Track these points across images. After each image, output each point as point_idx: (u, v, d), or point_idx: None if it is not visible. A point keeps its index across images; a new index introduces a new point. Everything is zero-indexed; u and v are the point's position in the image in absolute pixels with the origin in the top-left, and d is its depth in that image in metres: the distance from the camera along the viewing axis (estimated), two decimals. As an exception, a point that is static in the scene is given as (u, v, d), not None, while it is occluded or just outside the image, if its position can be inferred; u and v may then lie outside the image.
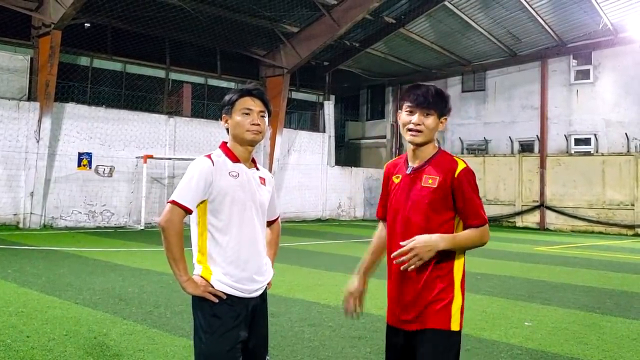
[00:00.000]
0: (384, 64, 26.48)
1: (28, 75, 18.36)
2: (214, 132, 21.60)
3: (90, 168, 19.13)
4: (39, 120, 17.49)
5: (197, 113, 22.82)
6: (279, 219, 3.29)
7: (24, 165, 17.61)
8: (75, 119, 18.89)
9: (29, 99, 18.13)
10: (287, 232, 19.01)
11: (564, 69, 24.54)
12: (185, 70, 22.82)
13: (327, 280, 9.62)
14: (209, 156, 2.88)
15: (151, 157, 19.52)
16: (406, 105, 2.82)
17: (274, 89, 23.46)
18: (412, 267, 2.64)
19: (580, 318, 7.12)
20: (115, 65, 20.92)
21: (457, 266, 2.76)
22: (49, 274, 9.23)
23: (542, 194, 24.21)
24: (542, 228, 24.00)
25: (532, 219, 24.43)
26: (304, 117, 27.63)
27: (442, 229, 2.71)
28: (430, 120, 2.78)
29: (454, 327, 2.71)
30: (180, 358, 5.06)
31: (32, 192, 17.47)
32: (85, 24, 19.70)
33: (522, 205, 24.70)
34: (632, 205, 22.14)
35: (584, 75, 24.17)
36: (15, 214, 17.53)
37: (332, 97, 27.50)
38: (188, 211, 2.78)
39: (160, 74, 22.16)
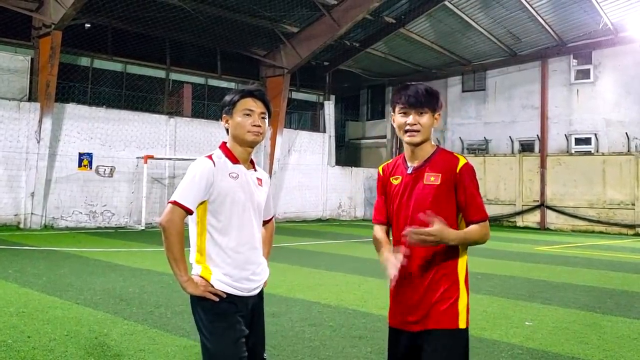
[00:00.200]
0: (384, 64, 26.48)
1: (28, 76, 18.37)
2: (214, 132, 21.61)
3: (90, 168, 19.14)
4: (40, 121, 17.50)
5: (197, 113, 22.82)
6: (274, 218, 3.30)
7: (24, 165, 17.62)
8: (76, 120, 18.90)
9: (30, 99, 18.14)
10: (287, 232, 19.07)
11: (564, 69, 24.54)
12: (185, 70, 22.83)
13: (327, 280, 9.62)
14: (210, 157, 2.88)
15: (152, 157, 19.53)
16: (399, 107, 2.83)
17: (274, 89, 23.46)
18: (414, 243, 2.62)
19: (580, 318, 7.12)
20: (116, 66, 20.93)
21: (460, 264, 2.77)
22: (50, 274, 9.23)
23: (542, 193, 24.21)
24: (542, 228, 24.00)
25: (533, 219, 24.42)
26: (304, 117, 27.64)
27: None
28: (426, 119, 2.79)
29: (462, 325, 2.73)
30: (181, 358, 5.07)
31: (33, 193, 17.48)
32: (86, 25, 19.71)
33: (523, 205, 24.70)
34: (633, 204, 22.14)
35: (584, 74, 24.15)
36: (16, 215, 17.54)
37: (333, 97, 27.50)
38: (189, 212, 2.79)
39: (161, 74, 22.17)
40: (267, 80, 24.01)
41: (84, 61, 20.12)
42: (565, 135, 24.32)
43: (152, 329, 5.97)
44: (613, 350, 5.70)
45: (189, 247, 2.90)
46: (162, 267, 9.76)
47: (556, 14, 21.71)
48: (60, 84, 18.26)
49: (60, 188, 18.46)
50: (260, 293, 2.99)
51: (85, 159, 19.00)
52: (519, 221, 24.68)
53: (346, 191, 27.37)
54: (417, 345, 2.74)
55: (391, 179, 2.92)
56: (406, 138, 2.81)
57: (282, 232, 18.80)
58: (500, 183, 25.00)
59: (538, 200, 24.32)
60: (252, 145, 2.95)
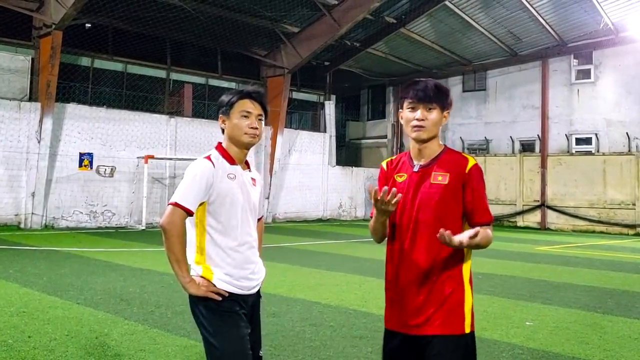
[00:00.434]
0: (385, 63, 26.47)
1: (29, 76, 18.38)
2: (214, 132, 21.59)
3: (91, 168, 19.14)
4: (40, 121, 17.50)
5: (198, 113, 22.82)
6: (263, 218, 3.31)
7: (25, 165, 17.63)
8: (77, 119, 18.90)
9: (30, 99, 18.14)
10: (288, 232, 19.08)
11: (565, 69, 24.53)
12: (186, 70, 22.84)
13: (328, 280, 9.62)
14: (208, 157, 2.88)
15: (152, 157, 19.53)
16: (407, 102, 2.77)
17: (274, 89, 23.47)
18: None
19: (581, 318, 7.12)
20: (116, 66, 20.93)
21: (465, 265, 2.71)
22: (51, 274, 9.24)
23: (543, 193, 24.20)
24: (543, 228, 23.99)
25: (533, 219, 24.42)
26: (304, 117, 27.64)
27: (451, 227, 2.61)
28: (434, 115, 2.73)
29: (467, 329, 2.65)
30: (181, 358, 5.07)
31: (34, 193, 17.48)
32: (86, 25, 19.71)
33: (523, 205, 24.70)
34: (633, 204, 22.13)
35: (584, 74, 24.14)
36: (16, 214, 17.54)
37: (333, 97, 27.49)
38: (190, 213, 2.79)
39: (161, 74, 22.18)
40: (267, 80, 24.01)
41: (85, 61, 20.12)
42: (565, 135, 24.31)
43: (152, 329, 5.97)
44: (614, 350, 5.70)
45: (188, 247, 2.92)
46: (162, 267, 9.76)
47: (557, 13, 21.71)
48: (60, 84, 18.27)
49: (61, 188, 18.47)
50: (258, 291, 3.02)
51: (85, 159, 19.01)
52: (520, 221, 24.68)
53: (347, 191, 27.37)
54: (418, 349, 2.66)
55: (395, 175, 2.84)
56: (413, 134, 2.75)
57: (282, 232, 18.80)
58: (501, 183, 25.00)
59: (539, 200, 24.32)
60: (248, 146, 2.95)
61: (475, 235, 2.50)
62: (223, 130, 2.98)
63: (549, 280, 10.04)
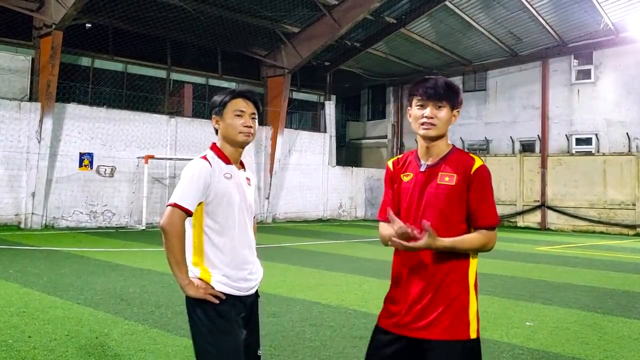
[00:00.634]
0: (385, 64, 26.47)
1: (29, 76, 18.39)
2: (214, 132, 21.57)
3: (91, 168, 19.14)
4: (41, 121, 17.51)
5: (198, 113, 22.83)
6: (255, 218, 3.30)
7: (25, 165, 17.63)
8: (77, 120, 18.91)
9: (31, 99, 18.15)
10: (288, 232, 19.08)
11: (565, 69, 24.53)
12: (186, 70, 22.84)
13: (328, 280, 9.62)
14: (205, 157, 2.88)
15: (152, 157, 19.54)
16: (416, 99, 2.71)
17: (275, 89, 23.48)
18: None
19: (581, 318, 7.12)
20: (117, 66, 20.94)
21: (471, 269, 2.65)
22: (51, 274, 9.24)
23: (543, 193, 24.20)
24: (543, 228, 23.99)
25: (533, 219, 24.42)
26: (305, 117, 27.64)
27: (457, 229, 2.61)
28: (443, 113, 2.67)
29: (472, 334, 2.59)
30: (181, 358, 5.07)
31: (34, 193, 17.48)
32: (87, 25, 19.71)
33: (523, 205, 24.70)
34: (634, 205, 22.13)
35: (585, 75, 24.14)
36: (16, 214, 17.55)
37: (333, 97, 27.49)
38: (189, 213, 2.77)
39: (162, 74, 22.18)
40: (267, 80, 24.02)
41: (85, 61, 20.13)
42: (566, 135, 24.31)
43: (152, 329, 5.97)
44: (614, 350, 5.70)
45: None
46: (162, 267, 9.76)
47: (557, 14, 21.71)
48: (61, 84, 18.27)
49: (61, 188, 18.47)
50: (257, 291, 3.01)
51: (86, 159, 19.01)
52: (520, 221, 24.68)
53: (347, 191, 27.37)
54: (419, 353, 2.59)
55: (401, 175, 2.78)
56: (421, 131, 2.68)
57: (282, 232, 18.80)
58: (501, 183, 24.98)
59: (539, 201, 24.32)
60: (243, 145, 2.95)
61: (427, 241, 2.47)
62: (217, 131, 2.97)
63: (549, 281, 10.04)
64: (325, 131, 26.88)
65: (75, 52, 19.53)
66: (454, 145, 2.77)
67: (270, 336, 5.80)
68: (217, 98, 2.98)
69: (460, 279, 2.62)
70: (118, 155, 19.71)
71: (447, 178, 2.64)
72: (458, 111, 2.74)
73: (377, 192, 27.19)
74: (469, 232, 2.64)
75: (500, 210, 24.62)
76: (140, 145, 20.19)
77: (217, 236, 2.83)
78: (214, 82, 23.43)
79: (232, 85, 23.66)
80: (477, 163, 2.65)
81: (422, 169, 2.71)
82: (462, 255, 2.62)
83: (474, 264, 2.67)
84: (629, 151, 22.64)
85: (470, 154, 2.72)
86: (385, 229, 2.79)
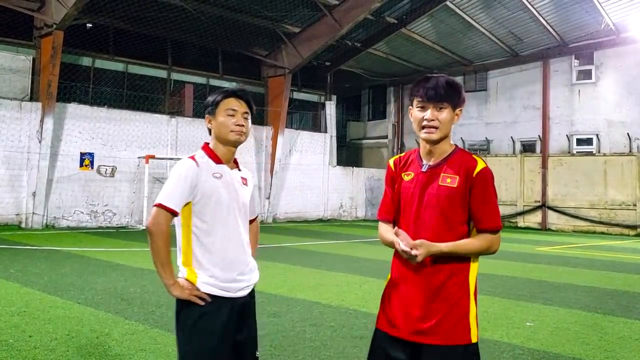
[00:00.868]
0: (386, 64, 26.47)
1: (30, 76, 18.41)
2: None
3: (92, 168, 19.15)
4: (41, 121, 17.52)
5: (198, 113, 22.80)
6: (257, 218, 3.28)
7: (26, 165, 17.64)
8: (77, 119, 18.92)
9: (31, 99, 18.16)
10: (288, 232, 19.08)
11: (566, 69, 24.52)
12: (187, 70, 22.85)
13: (328, 280, 9.62)
14: (192, 157, 2.87)
15: (153, 157, 19.54)
16: (417, 101, 2.65)
17: (275, 89, 23.49)
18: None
19: (582, 318, 7.12)
20: (117, 66, 20.95)
21: (472, 272, 2.62)
22: (51, 274, 9.24)
23: (543, 194, 24.20)
24: (543, 228, 23.99)
25: (534, 219, 24.42)
26: (305, 117, 27.64)
27: (458, 230, 2.58)
28: (445, 114, 2.61)
29: (474, 339, 2.57)
30: (182, 358, 5.06)
31: (35, 192, 17.49)
32: (87, 25, 19.72)
33: (524, 206, 24.69)
34: (634, 205, 22.12)
35: (585, 75, 24.13)
36: (17, 214, 17.56)
37: (334, 97, 27.49)
38: (175, 214, 2.77)
39: (162, 74, 22.19)
40: (268, 80, 24.03)
41: (86, 61, 20.14)
42: (566, 135, 24.30)
43: (153, 329, 5.98)
44: (614, 351, 5.70)
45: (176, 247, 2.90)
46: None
47: (558, 14, 21.70)
48: (61, 84, 18.28)
49: (62, 188, 18.48)
50: (251, 292, 2.97)
51: (86, 159, 19.02)
52: (520, 221, 24.67)
53: (347, 191, 27.37)
54: (416, 357, 2.57)
55: (403, 174, 2.73)
56: (423, 134, 2.63)
57: (283, 232, 18.81)
58: (502, 183, 24.97)
59: (539, 201, 24.31)
60: (235, 144, 2.93)
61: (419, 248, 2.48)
62: (210, 131, 2.97)
63: (550, 281, 10.04)
64: (325, 131, 26.88)
65: (76, 52, 19.55)
66: (456, 146, 2.72)
67: (270, 336, 5.80)
68: (210, 98, 2.98)
69: (462, 282, 2.59)
70: (119, 155, 19.72)
71: (449, 179, 2.60)
72: (461, 110, 2.69)
73: (377, 192, 27.19)
74: (469, 234, 2.62)
75: (501, 210, 23.78)
76: (141, 145, 20.20)
77: (205, 236, 2.81)
78: (214, 82, 23.43)
79: (233, 86, 23.68)
80: (480, 165, 2.60)
81: (424, 169, 2.67)
82: (463, 259, 2.59)
83: (474, 267, 2.64)
84: (630, 151, 22.63)
85: (474, 155, 2.68)
86: (386, 231, 2.76)
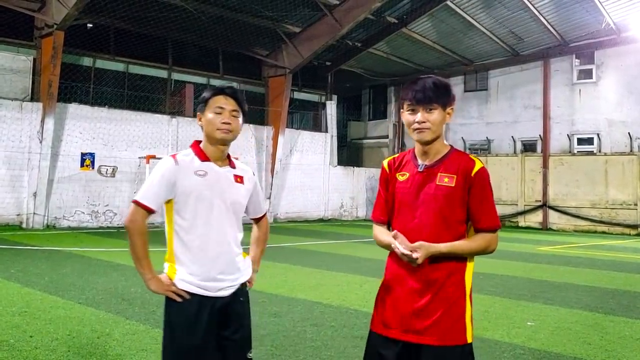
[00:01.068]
0: (386, 63, 26.47)
1: (31, 76, 18.41)
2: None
3: (93, 168, 19.16)
4: (42, 121, 17.53)
5: (199, 113, 22.81)
6: (266, 216, 3.26)
7: (27, 165, 17.65)
8: (78, 120, 18.92)
9: (32, 99, 18.16)
10: (289, 232, 19.08)
11: (567, 69, 24.51)
12: (187, 70, 22.85)
13: (329, 280, 9.62)
14: (174, 156, 2.90)
15: (154, 157, 19.50)
16: (407, 104, 2.68)
17: (276, 89, 23.50)
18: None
19: (583, 318, 7.11)
20: (118, 66, 20.95)
21: (468, 273, 2.63)
22: (52, 274, 9.25)
23: (544, 193, 24.19)
24: (544, 228, 23.98)
25: (535, 219, 24.41)
26: (306, 117, 27.65)
27: (454, 231, 2.58)
28: (435, 115, 2.62)
29: (469, 339, 2.58)
30: (182, 358, 5.06)
31: (35, 193, 17.50)
32: (88, 25, 19.74)
33: (525, 205, 24.68)
34: (635, 204, 22.11)
35: (586, 74, 24.12)
36: (18, 214, 17.57)
37: (334, 97, 27.50)
38: (150, 211, 2.81)
39: (163, 74, 22.19)
40: (269, 80, 24.04)
41: (86, 61, 20.15)
42: (567, 135, 24.30)
43: (154, 329, 5.97)
44: (615, 350, 5.69)
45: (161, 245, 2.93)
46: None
47: (558, 13, 21.69)
48: (62, 84, 18.29)
49: (63, 188, 18.49)
50: (238, 293, 2.92)
51: (87, 159, 19.03)
52: (521, 221, 24.67)
53: (348, 191, 27.37)
54: (413, 357, 2.56)
55: (397, 175, 2.74)
56: (415, 136, 2.65)
57: (283, 232, 18.81)
58: (503, 183, 24.98)
59: (540, 200, 24.30)
60: (222, 142, 2.91)
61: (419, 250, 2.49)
62: (202, 128, 2.98)
63: (551, 281, 10.04)
64: (326, 131, 26.88)
65: (76, 52, 19.55)
66: (452, 146, 2.74)
67: (271, 336, 5.80)
68: (202, 96, 3.00)
69: (459, 282, 2.60)
70: (119, 155, 19.72)
71: (447, 179, 2.61)
72: (452, 108, 2.70)
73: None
74: (466, 234, 2.63)
75: (502, 210, 24.68)
76: (142, 145, 20.21)
77: (185, 234, 2.82)
78: (215, 82, 23.42)
79: (233, 85, 23.66)
80: (478, 165, 2.62)
81: (420, 169, 2.68)
82: (460, 258, 2.60)
83: (470, 267, 2.65)
84: (631, 151, 22.62)
85: (470, 156, 2.69)
86: (381, 233, 2.77)
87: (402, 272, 2.64)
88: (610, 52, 23.30)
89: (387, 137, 29.42)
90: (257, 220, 3.21)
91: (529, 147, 25.32)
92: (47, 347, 5.24)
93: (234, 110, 2.91)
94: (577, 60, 24.31)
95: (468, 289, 2.62)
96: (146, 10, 18.91)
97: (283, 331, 6.04)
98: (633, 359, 5.47)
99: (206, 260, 2.82)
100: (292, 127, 25.54)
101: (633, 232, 21.93)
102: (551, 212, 24.02)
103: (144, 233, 2.82)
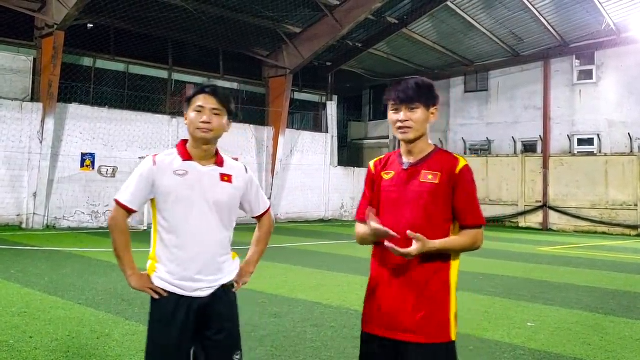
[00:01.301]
0: (387, 64, 26.47)
1: (31, 76, 18.41)
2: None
3: (93, 168, 19.16)
4: (42, 121, 17.53)
5: (199, 114, 22.80)
6: (269, 215, 3.19)
7: (27, 165, 17.65)
8: (78, 120, 18.92)
9: (32, 99, 18.16)
10: (289, 232, 19.07)
11: (567, 69, 24.50)
12: (188, 70, 22.85)
13: (329, 280, 9.62)
14: (154, 156, 2.93)
15: (154, 157, 19.54)
16: (390, 104, 2.74)
17: (276, 90, 23.50)
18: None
19: (583, 319, 7.11)
20: (118, 66, 20.96)
21: (452, 270, 2.65)
22: (52, 275, 9.24)
23: (545, 194, 24.18)
24: (545, 228, 23.97)
25: (535, 219, 24.39)
26: (306, 117, 27.64)
27: (439, 229, 2.59)
28: (418, 114, 2.67)
29: (453, 337, 2.61)
30: (182, 358, 5.06)
31: (35, 193, 17.50)
32: (88, 25, 19.73)
33: (525, 206, 24.67)
34: (635, 205, 22.10)
35: (586, 75, 24.12)
36: (18, 215, 17.57)
37: (335, 97, 27.50)
38: (128, 210, 2.88)
39: (163, 74, 22.19)
40: (269, 81, 24.04)
41: (87, 61, 20.15)
42: (567, 135, 24.29)
43: (154, 330, 5.96)
44: (615, 351, 5.69)
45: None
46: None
47: (559, 14, 21.69)
48: (62, 84, 18.29)
49: (63, 188, 18.49)
50: (219, 294, 2.88)
51: (87, 159, 19.03)
52: (522, 222, 24.65)
53: (348, 192, 27.36)
54: (399, 355, 2.60)
55: (382, 173, 2.78)
56: (399, 135, 2.71)
57: (284, 232, 18.80)
58: (503, 183, 24.98)
59: (540, 201, 24.29)
60: (203, 142, 2.88)
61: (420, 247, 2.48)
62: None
63: (551, 281, 10.03)
64: (327, 131, 26.88)
65: (77, 53, 19.55)
66: (436, 145, 2.79)
67: (271, 337, 5.80)
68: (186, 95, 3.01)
69: (443, 281, 2.62)
70: (120, 155, 19.72)
71: (431, 176, 2.65)
72: (436, 108, 2.75)
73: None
74: (450, 231, 2.65)
75: (502, 210, 24.71)
76: (142, 145, 20.20)
77: (165, 233, 2.86)
78: (215, 83, 23.40)
79: (234, 86, 23.73)
80: (462, 163, 2.66)
81: (405, 167, 2.72)
82: (444, 257, 2.62)
83: (455, 265, 2.67)
84: (631, 152, 22.61)
85: (454, 154, 2.73)
86: (362, 227, 2.80)
87: (387, 271, 2.67)
88: (611, 52, 23.30)
89: (387, 137, 29.39)
90: (259, 219, 3.18)
91: (529, 148, 25.31)
92: (47, 347, 5.24)
93: (214, 109, 2.88)
94: (577, 61, 24.31)
95: (453, 288, 2.65)
96: (146, 11, 18.92)
97: (283, 332, 6.04)
98: (633, 359, 5.47)
99: (183, 260, 2.83)
100: (292, 128, 25.54)
101: (633, 232, 21.91)
102: (551, 213, 24.01)
103: (123, 231, 2.90)
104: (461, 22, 22.39)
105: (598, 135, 23.59)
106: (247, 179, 3.03)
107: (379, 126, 30.12)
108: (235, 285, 3.00)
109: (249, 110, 24.00)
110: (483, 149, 26.49)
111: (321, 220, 25.67)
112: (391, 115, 2.75)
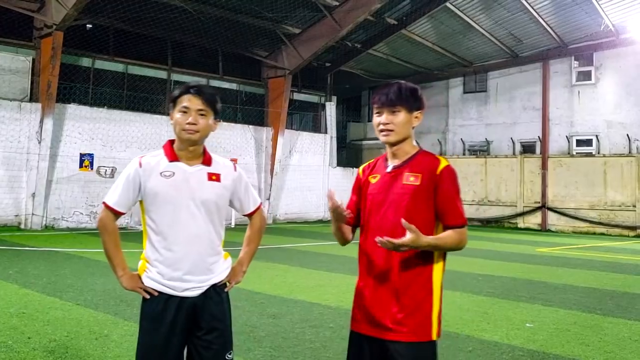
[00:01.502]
0: (386, 65, 26.48)
1: (30, 76, 18.39)
2: (215, 133, 21.30)
3: (91, 169, 19.14)
4: (41, 121, 17.51)
5: (198, 114, 22.79)
6: (260, 212, 3.17)
7: (25, 166, 17.63)
8: (77, 120, 18.91)
9: (31, 100, 18.15)
10: (288, 233, 19.07)
11: (566, 70, 24.53)
12: (187, 71, 22.83)
13: (328, 281, 9.62)
14: (140, 158, 2.92)
15: (153, 158, 19.53)
16: (374, 108, 2.79)
17: (275, 90, 23.50)
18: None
19: (581, 319, 7.12)
20: (117, 67, 20.94)
21: (436, 271, 2.68)
22: (51, 275, 9.23)
23: (543, 195, 24.19)
24: (543, 229, 23.98)
25: (534, 220, 24.41)
26: (305, 118, 27.64)
27: (422, 230, 2.58)
28: (400, 118, 2.72)
29: (434, 336, 2.64)
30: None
31: (34, 193, 17.48)
32: (87, 25, 19.73)
33: (524, 207, 24.68)
34: (634, 206, 22.11)
35: (585, 76, 24.15)
36: (16, 215, 17.55)
37: (334, 98, 27.49)
38: (116, 212, 2.88)
39: (162, 75, 22.18)
40: (268, 81, 24.04)
41: (86, 62, 20.13)
42: (566, 136, 24.31)
43: (152, 330, 5.96)
44: (614, 352, 5.69)
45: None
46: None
47: (557, 15, 21.71)
48: (61, 85, 18.27)
49: (61, 189, 18.47)
50: (210, 294, 2.88)
51: (86, 160, 19.01)
52: (520, 222, 24.66)
53: (347, 192, 26.58)
54: (382, 354, 2.66)
55: (369, 177, 2.87)
56: (381, 137, 2.77)
57: (283, 233, 18.80)
58: (502, 184, 25.00)
59: (539, 202, 24.30)
60: (189, 143, 2.88)
61: (414, 239, 2.50)
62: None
63: (550, 282, 10.04)
64: (326, 132, 26.88)
65: (75, 53, 19.54)
66: (420, 147, 2.84)
67: (270, 337, 5.80)
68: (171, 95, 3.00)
69: (425, 282, 2.66)
70: (118, 156, 19.70)
71: (412, 178, 2.69)
72: (421, 112, 2.79)
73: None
74: (434, 231, 2.68)
75: (501, 211, 24.73)
76: (141, 146, 20.19)
77: (153, 234, 2.86)
78: (215, 83, 23.42)
79: (233, 86, 23.73)
80: (443, 163, 2.70)
81: (389, 169, 2.78)
82: (427, 258, 2.66)
83: (438, 267, 2.70)
84: (629, 152, 22.64)
85: (436, 155, 2.78)
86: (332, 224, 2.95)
87: (372, 272, 2.74)
88: (609, 53, 23.32)
89: (386, 138, 29.41)
90: (250, 217, 3.16)
91: (528, 149, 25.32)
92: (45, 348, 5.24)
93: (200, 110, 2.86)
94: (576, 62, 24.33)
95: (436, 289, 2.68)
96: (146, 11, 18.91)
97: (282, 332, 6.04)
98: (632, 360, 5.48)
99: (172, 261, 2.82)
100: (291, 128, 25.53)
101: (632, 233, 21.93)
102: (550, 214, 24.02)
103: (112, 232, 2.89)
104: (460, 23, 22.40)
105: (597, 136, 23.62)
106: (235, 177, 3.02)
107: (378, 127, 30.09)
108: (228, 284, 3.00)
109: (248, 110, 24.00)
110: (482, 150, 26.50)
111: (320, 221, 25.65)
112: (374, 118, 2.81)
